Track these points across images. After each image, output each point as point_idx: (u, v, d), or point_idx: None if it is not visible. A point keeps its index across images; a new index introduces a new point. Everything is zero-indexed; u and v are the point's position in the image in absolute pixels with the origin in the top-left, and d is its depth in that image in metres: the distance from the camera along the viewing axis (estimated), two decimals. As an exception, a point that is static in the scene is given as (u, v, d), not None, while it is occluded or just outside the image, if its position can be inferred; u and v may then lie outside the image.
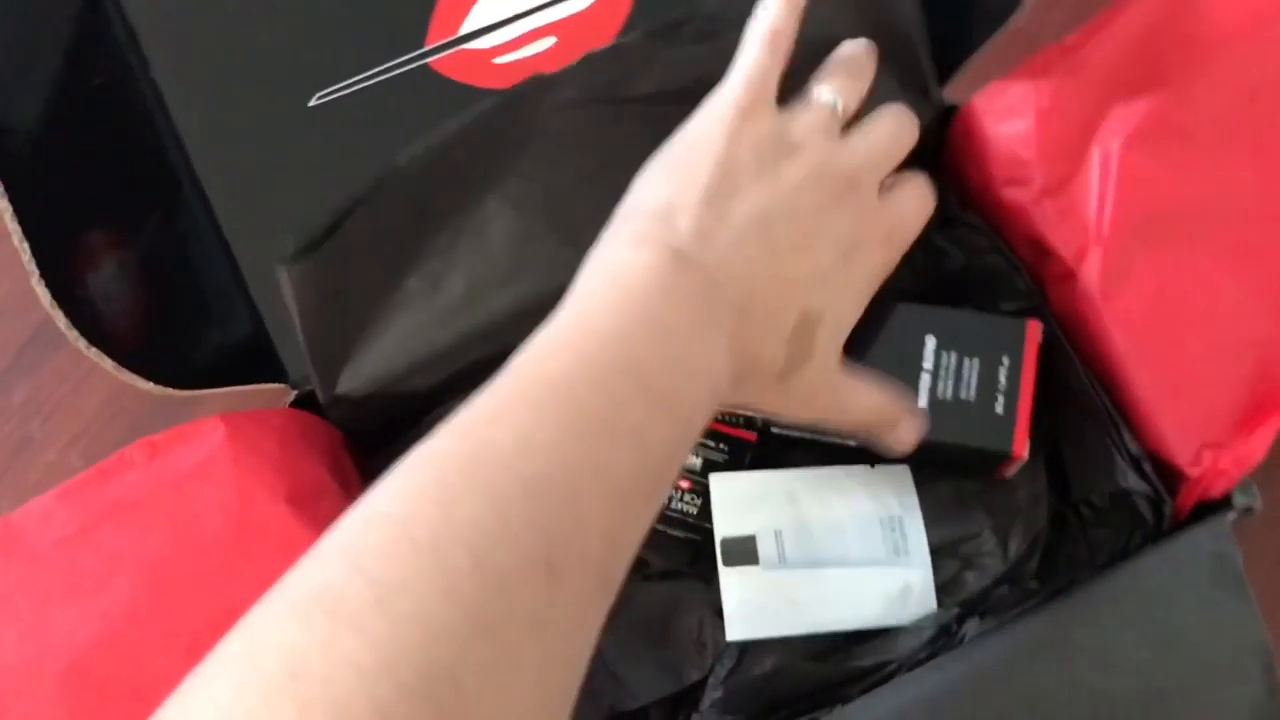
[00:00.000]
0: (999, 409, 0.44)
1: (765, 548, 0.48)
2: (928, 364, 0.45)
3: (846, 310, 0.40)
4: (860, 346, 0.43)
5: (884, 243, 0.40)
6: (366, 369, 0.47)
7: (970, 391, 0.44)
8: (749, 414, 0.44)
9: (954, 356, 0.45)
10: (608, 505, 0.30)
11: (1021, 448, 0.44)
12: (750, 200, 0.37)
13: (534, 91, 0.44)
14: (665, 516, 0.50)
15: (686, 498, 0.49)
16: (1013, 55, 0.49)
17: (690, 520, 0.50)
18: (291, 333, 0.45)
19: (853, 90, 0.42)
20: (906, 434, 0.44)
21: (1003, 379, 0.44)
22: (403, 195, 0.43)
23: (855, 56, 0.43)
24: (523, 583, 0.27)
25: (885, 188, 0.42)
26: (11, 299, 0.62)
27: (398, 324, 0.46)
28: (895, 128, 0.42)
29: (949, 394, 0.44)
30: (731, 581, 0.47)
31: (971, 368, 0.45)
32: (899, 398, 0.43)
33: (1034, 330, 0.45)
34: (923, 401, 0.44)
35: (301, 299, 0.42)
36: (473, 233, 0.46)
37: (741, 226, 0.37)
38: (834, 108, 0.40)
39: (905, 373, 0.45)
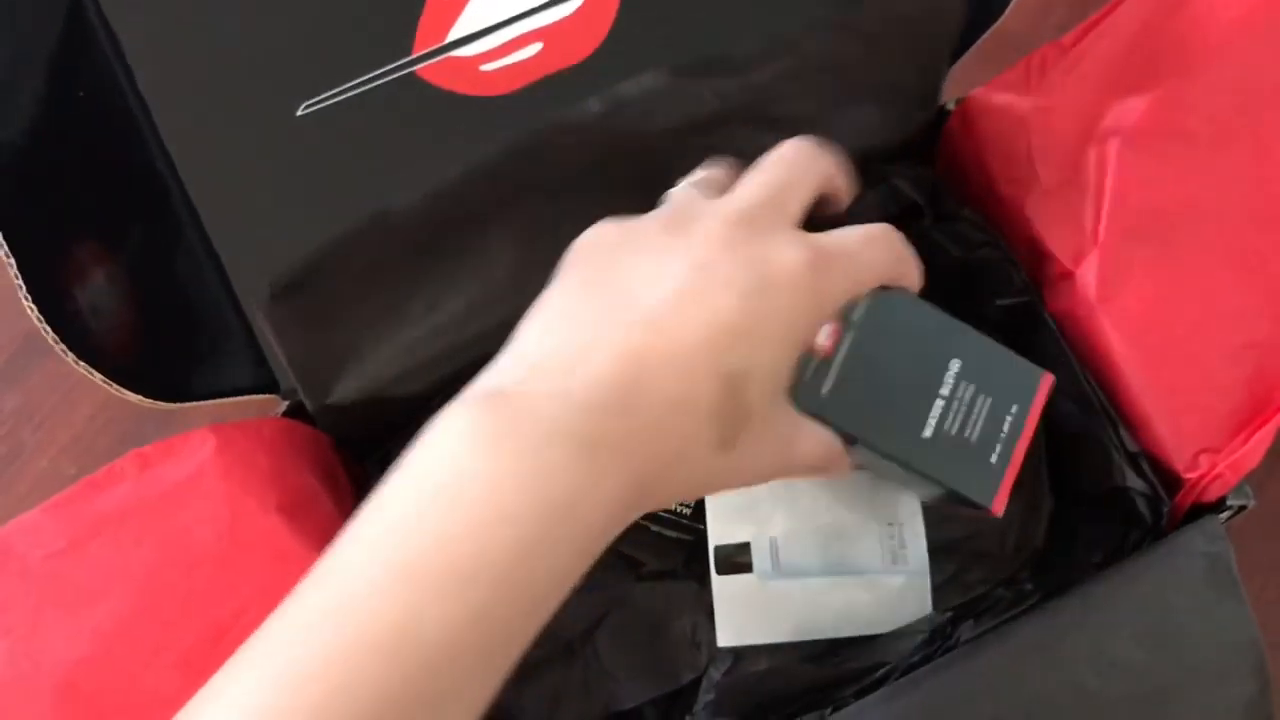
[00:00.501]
0: (994, 458, 0.40)
1: (759, 556, 0.48)
2: (945, 390, 0.40)
3: (777, 357, 0.34)
4: (885, 346, 0.39)
5: (807, 274, 0.33)
6: (356, 382, 0.47)
7: (975, 431, 0.40)
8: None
9: (972, 389, 0.40)
10: (405, 691, 0.28)
11: (1001, 506, 0.40)
12: (601, 295, 0.33)
13: (552, 135, 0.43)
14: (659, 517, 0.50)
15: (681, 499, 0.49)
16: (1004, 57, 0.49)
17: (684, 521, 0.49)
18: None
19: (715, 176, 0.38)
20: (843, 468, 0.40)
21: (1006, 427, 0.40)
22: (402, 233, 0.42)
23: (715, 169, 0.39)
24: None
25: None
26: (1, 306, 0.62)
27: (391, 340, 0.46)
28: (788, 159, 0.37)
29: (955, 428, 0.40)
30: (724, 590, 0.47)
31: (984, 406, 0.40)
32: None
33: (1047, 384, 0.41)
34: (929, 429, 0.39)
35: (283, 336, 0.42)
36: (475, 264, 0.45)
37: (597, 321, 0.32)
38: (691, 185, 0.37)
39: (920, 391, 0.40)
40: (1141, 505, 0.45)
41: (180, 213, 0.48)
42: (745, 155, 0.47)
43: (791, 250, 0.33)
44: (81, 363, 0.41)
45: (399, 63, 0.49)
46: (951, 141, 0.50)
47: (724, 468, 0.34)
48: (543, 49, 0.49)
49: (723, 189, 0.36)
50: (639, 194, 0.46)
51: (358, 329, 0.45)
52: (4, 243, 0.41)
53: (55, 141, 0.46)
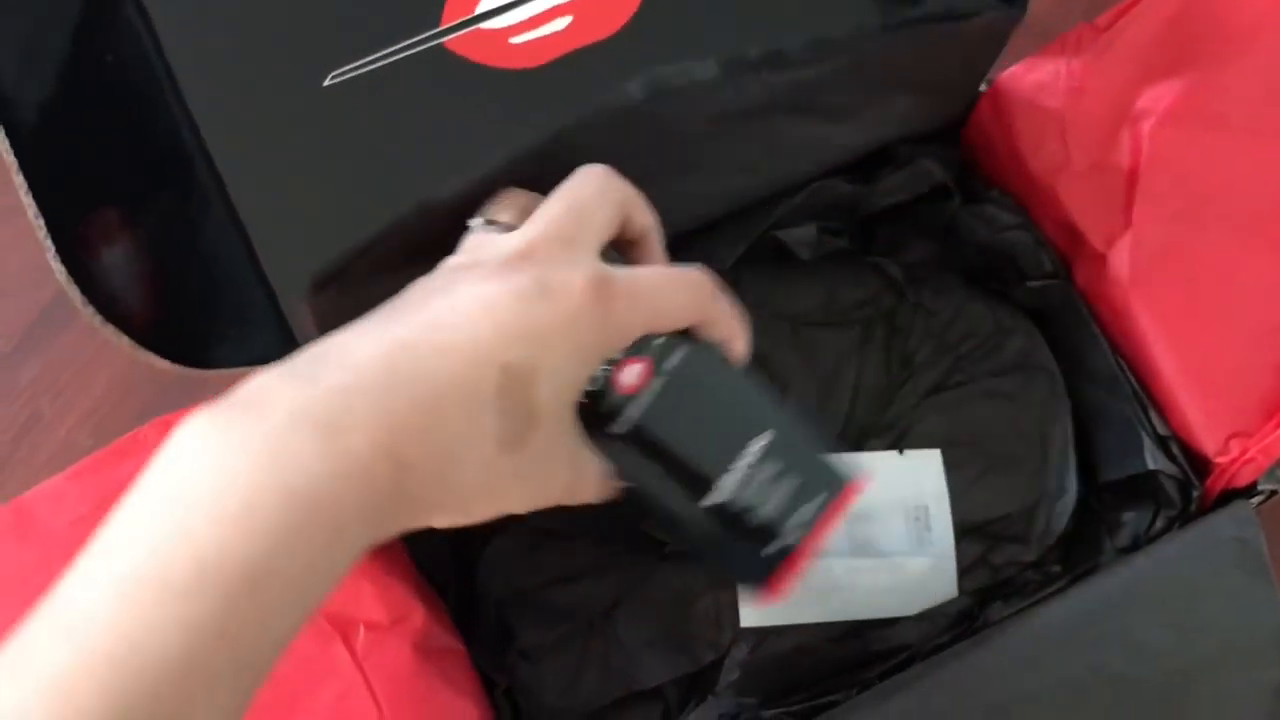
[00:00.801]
0: (773, 548, 0.37)
1: (783, 537, 0.47)
2: (743, 462, 0.37)
3: (562, 364, 0.33)
4: (693, 401, 0.37)
5: (590, 293, 0.33)
6: None
7: (763, 513, 0.37)
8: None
9: (773, 470, 0.37)
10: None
11: (770, 596, 0.37)
12: (385, 314, 0.33)
13: (594, 119, 0.42)
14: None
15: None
16: (1028, 45, 0.49)
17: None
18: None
19: (513, 204, 0.38)
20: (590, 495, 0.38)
21: (799, 519, 0.38)
22: (445, 219, 0.42)
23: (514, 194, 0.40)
24: None
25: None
26: (19, 278, 0.62)
27: None
28: (576, 190, 0.37)
29: (742, 504, 0.37)
30: None
31: (781, 492, 0.37)
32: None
33: (855, 490, 0.39)
34: (713, 498, 0.37)
35: (323, 322, 0.41)
36: None
37: (372, 326, 0.32)
38: (486, 223, 0.38)
39: (716, 457, 0.37)
40: (1171, 489, 0.45)
41: (205, 179, 0.47)
42: (778, 142, 0.47)
43: (574, 272, 0.33)
44: (108, 325, 0.41)
45: (427, 34, 0.48)
46: (982, 122, 0.50)
47: (512, 473, 0.33)
48: (572, 22, 0.49)
49: (521, 216, 0.37)
50: (672, 177, 0.46)
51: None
52: (34, 204, 0.40)
53: (81, 106, 0.45)
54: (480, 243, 0.36)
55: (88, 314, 0.41)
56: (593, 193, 0.36)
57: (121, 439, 0.43)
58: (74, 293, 0.40)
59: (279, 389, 0.29)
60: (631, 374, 0.36)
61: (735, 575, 0.37)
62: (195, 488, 0.27)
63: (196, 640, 0.26)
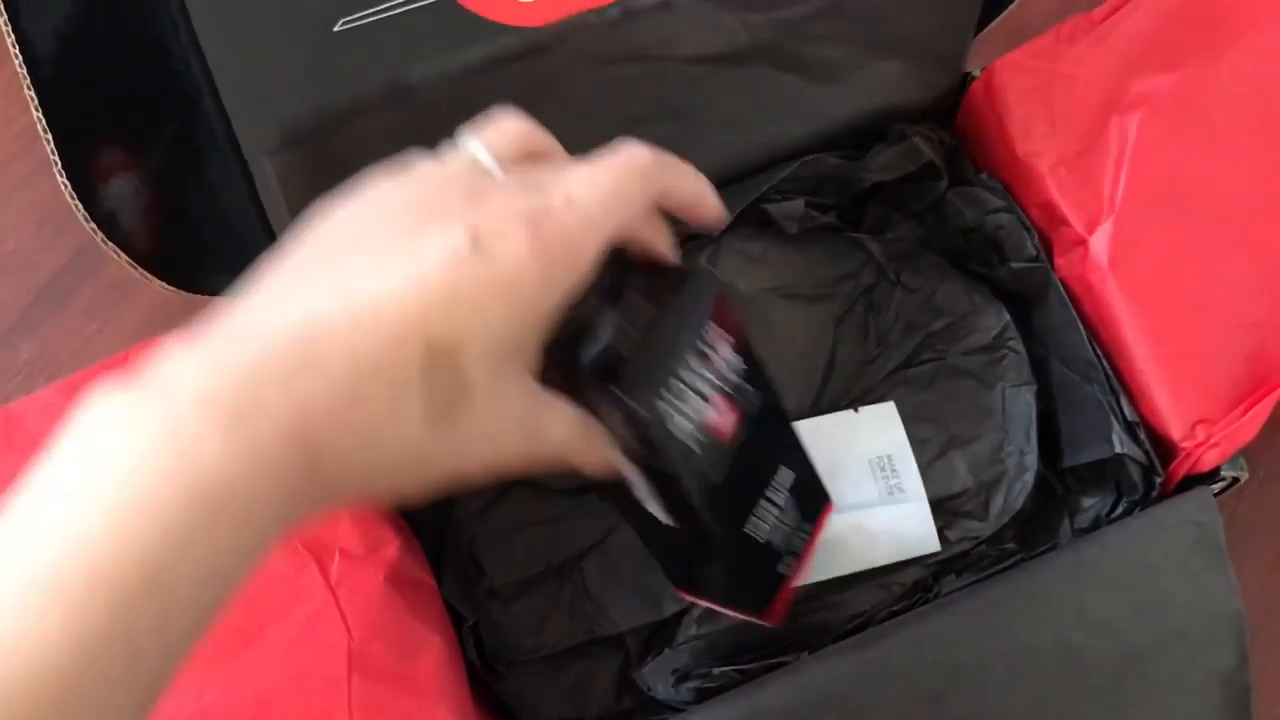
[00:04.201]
0: (781, 568, 0.40)
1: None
2: (773, 494, 0.40)
3: (497, 323, 0.30)
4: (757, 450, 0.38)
5: (525, 228, 0.30)
6: None
7: (776, 537, 0.40)
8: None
9: (791, 501, 0.40)
10: None
11: (776, 619, 0.40)
12: (316, 269, 0.30)
13: (571, 34, 0.44)
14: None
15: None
16: (1010, 42, 0.50)
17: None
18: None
19: (498, 140, 0.34)
20: (605, 458, 0.35)
21: (795, 544, 0.41)
22: (416, 110, 0.43)
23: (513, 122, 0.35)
24: None
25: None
26: (18, 256, 0.61)
27: None
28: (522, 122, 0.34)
29: (761, 526, 0.39)
30: None
31: (790, 520, 0.40)
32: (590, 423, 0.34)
33: (829, 510, 0.42)
34: (749, 525, 0.39)
35: (289, 189, 0.42)
36: None
37: (296, 290, 0.29)
38: (467, 141, 0.34)
39: (748, 488, 0.39)
40: (1135, 474, 0.46)
41: (212, 117, 0.48)
42: (764, 99, 0.48)
43: (512, 208, 0.30)
44: (110, 243, 0.42)
45: (441, -15, 0.49)
46: (974, 106, 0.51)
47: (446, 449, 0.31)
48: (583, -16, 0.50)
49: (515, 152, 0.33)
50: (651, 108, 0.47)
51: None
52: (47, 128, 0.41)
53: (96, 37, 0.46)
54: (426, 166, 0.33)
55: (90, 229, 0.41)
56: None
57: (112, 356, 0.44)
58: (78, 208, 0.41)
59: (186, 365, 0.27)
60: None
61: (739, 601, 0.40)
62: (96, 477, 0.25)
63: (89, 646, 0.24)
